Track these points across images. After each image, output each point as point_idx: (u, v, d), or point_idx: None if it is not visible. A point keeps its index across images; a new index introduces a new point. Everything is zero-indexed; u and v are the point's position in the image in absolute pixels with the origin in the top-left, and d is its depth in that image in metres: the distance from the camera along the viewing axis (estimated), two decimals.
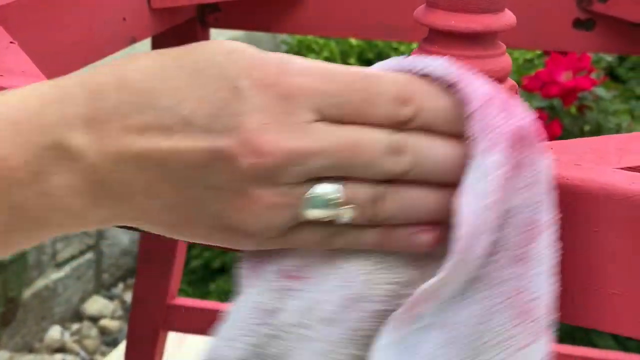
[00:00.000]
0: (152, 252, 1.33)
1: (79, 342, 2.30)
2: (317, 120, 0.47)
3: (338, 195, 0.47)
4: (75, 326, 2.34)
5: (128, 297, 2.44)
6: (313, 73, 0.47)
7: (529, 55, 2.56)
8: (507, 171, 0.47)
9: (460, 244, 0.46)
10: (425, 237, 0.49)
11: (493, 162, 0.47)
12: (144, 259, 1.33)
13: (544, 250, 0.50)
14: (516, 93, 0.55)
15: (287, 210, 0.47)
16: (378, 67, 0.49)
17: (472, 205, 0.46)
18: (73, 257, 2.34)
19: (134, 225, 0.50)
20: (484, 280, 0.49)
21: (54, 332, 2.28)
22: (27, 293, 2.19)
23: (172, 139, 0.47)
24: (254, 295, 0.50)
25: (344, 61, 2.65)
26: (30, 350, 2.23)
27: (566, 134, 2.00)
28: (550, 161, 0.50)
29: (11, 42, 0.78)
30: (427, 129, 0.48)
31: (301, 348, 0.49)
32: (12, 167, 0.47)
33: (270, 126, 0.46)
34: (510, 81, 0.54)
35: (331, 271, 0.49)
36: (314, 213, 0.47)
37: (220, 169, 0.47)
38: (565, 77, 1.95)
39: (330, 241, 0.49)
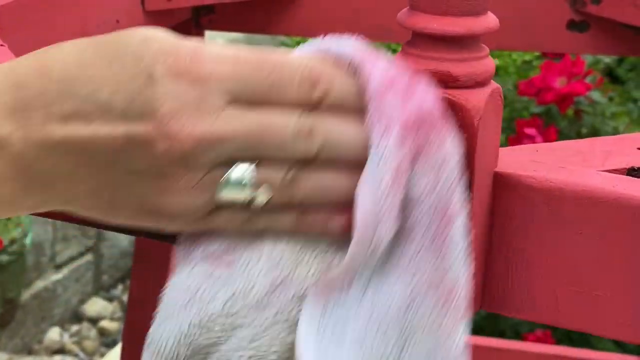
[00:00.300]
0: (147, 253, 1.33)
1: (78, 343, 2.30)
2: (228, 105, 0.49)
3: (251, 176, 0.49)
4: (74, 327, 2.34)
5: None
6: (224, 59, 0.49)
7: (527, 57, 2.56)
8: (405, 155, 0.48)
9: (356, 232, 0.48)
10: (338, 222, 0.50)
11: (387, 147, 0.48)
12: (140, 259, 1.33)
13: (459, 235, 0.51)
14: (500, 96, 0.55)
15: (204, 192, 0.49)
16: (298, 50, 0.51)
17: (368, 193, 0.48)
18: (72, 259, 2.34)
19: (64, 210, 0.52)
20: (401, 267, 0.50)
21: (53, 334, 2.29)
22: (27, 294, 2.19)
23: (91, 126, 0.49)
24: (184, 279, 0.51)
25: None
26: (30, 351, 2.24)
27: (563, 139, 1.99)
28: (457, 143, 0.51)
29: (1, 45, 0.78)
30: (337, 110, 0.50)
31: (229, 337, 0.50)
32: None
33: (182, 112, 0.48)
34: (494, 84, 0.54)
35: (256, 254, 0.51)
36: (228, 194, 0.49)
37: (137, 153, 0.49)
38: (559, 83, 1.95)
39: (249, 224, 0.51)
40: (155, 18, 1.09)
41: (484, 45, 0.54)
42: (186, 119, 0.48)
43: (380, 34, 1.15)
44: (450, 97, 0.52)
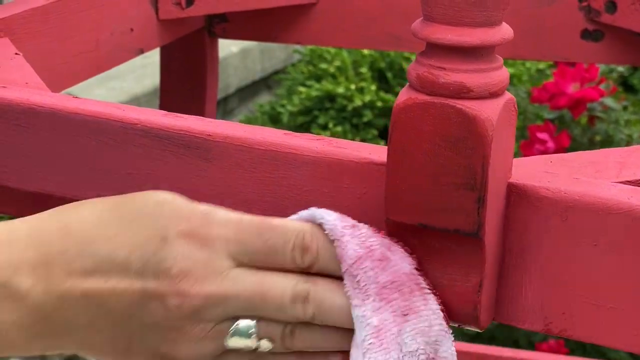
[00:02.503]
0: None
1: None
2: (233, 266, 0.55)
3: (254, 330, 0.56)
4: None
5: None
6: (229, 223, 0.56)
7: (541, 65, 2.55)
8: (387, 317, 0.54)
9: None
10: (335, 357, 0.57)
11: (367, 311, 0.54)
12: None
13: None
14: (514, 107, 0.54)
15: (213, 341, 0.56)
16: (296, 217, 0.58)
17: (359, 355, 0.55)
18: None
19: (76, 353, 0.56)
20: None
21: None
22: None
23: (110, 282, 0.54)
24: None
25: (356, 70, 2.64)
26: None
27: (576, 145, 1.99)
28: (436, 302, 0.56)
29: (16, 54, 0.79)
30: (325, 272, 0.56)
31: None
32: None
33: (192, 272, 0.54)
34: (508, 95, 0.54)
35: None
36: (234, 343, 0.56)
37: (152, 307, 0.55)
38: (573, 88, 1.95)
39: None
40: (169, 27, 1.10)
41: (498, 56, 0.54)
42: (196, 278, 0.54)
43: (391, 43, 1.15)
44: (464, 108, 0.52)
